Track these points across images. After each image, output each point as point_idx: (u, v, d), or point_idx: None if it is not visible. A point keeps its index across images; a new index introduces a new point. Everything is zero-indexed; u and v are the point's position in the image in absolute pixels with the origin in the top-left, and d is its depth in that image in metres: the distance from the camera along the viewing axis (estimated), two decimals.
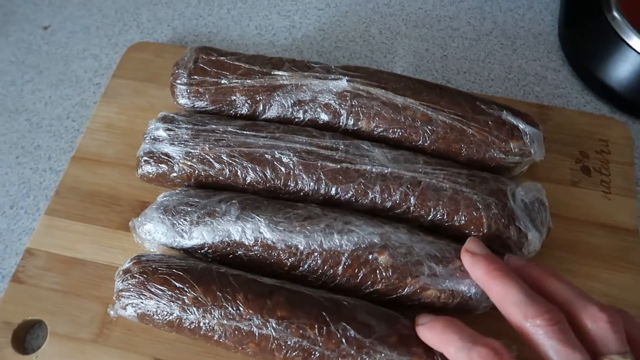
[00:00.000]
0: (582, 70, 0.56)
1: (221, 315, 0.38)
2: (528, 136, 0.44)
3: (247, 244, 0.41)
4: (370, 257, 0.40)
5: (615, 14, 0.53)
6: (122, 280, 0.40)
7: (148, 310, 0.39)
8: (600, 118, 0.52)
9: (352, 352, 0.37)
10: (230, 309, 0.38)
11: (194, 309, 0.38)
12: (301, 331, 0.37)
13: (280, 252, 0.41)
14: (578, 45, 0.57)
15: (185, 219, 0.42)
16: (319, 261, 0.40)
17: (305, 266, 0.40)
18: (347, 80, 0.46)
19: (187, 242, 0.42)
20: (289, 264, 0.41)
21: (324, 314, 0.37)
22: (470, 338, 0.32)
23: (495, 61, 0.58)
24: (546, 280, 0.35)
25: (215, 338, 0.38)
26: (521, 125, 0.44)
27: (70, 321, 0.44)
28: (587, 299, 0.33)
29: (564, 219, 0.46)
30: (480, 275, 0.36)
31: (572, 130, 0.51)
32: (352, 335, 0.37)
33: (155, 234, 0.42)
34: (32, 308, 0.44)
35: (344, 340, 0.37)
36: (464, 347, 0.32)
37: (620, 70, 0.53)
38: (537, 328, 0.31)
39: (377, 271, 0.39)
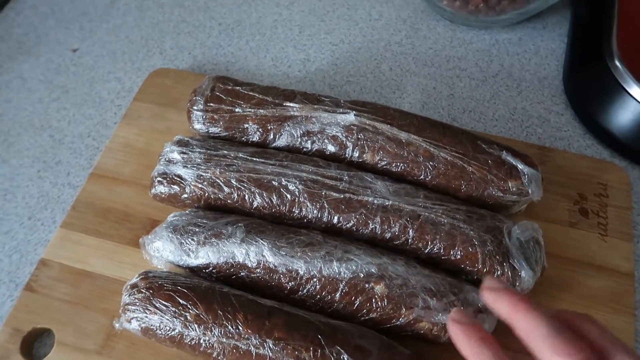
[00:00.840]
0: (584, 115, 0.58)
1: (221, 333, 0.39)
2: (526, 176, 0.45)
3: (250, 266, 0.43)
4: (367, 285, 0.41)
5: (617, 63, 0.55)
6: (129, 295, 0.42)
7: (152, 325, 0.41)
8: (599, 162, 0.53)
9: None
10: (230, 327, 0.39)
11: (196, 325, 0.40)
12: (297, 352, 0.38)
13: (281, 276, 0.42)
14: (581, 91, 0.59)
15: (192, 239, 0.44)
16: (318, 287, 0.42)
17: (305, 291, 0.42)
18: (355, 115, 0.48)
19: (193, 261, 0.44)
20: (289, 287, 0.42)
21: (319, 337, 0.39)
22: (502, 357, 0.31)
23: (500, 102, 0.60)
24: (578, 320, 0.33)
25: (214, 355, 0.40)
26: (520, 166, 0.46)
27: (77, 331, 0.46)
28: (621, 345, 0.31)
29: (560, 259, 0.47)
30: (505, 309, 0.33)
31: (572, 172, 0.52)
32: (346, 359, 0.38)
33: (163, 251, 0.44)
34: (42, 317, 0.46)
35: None
36: None
37: (621, 117, 0.55)
38: None
39: (373, 300, 0.41)
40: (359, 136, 0.48)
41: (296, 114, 0.49)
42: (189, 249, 0.44)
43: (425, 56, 0.64)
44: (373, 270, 0.41)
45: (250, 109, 0.50)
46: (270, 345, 0.39)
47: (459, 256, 0.43)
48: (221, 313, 0.40)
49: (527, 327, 0.32)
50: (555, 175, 0.52)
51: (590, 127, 0.57)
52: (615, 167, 0.53)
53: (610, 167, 0.53)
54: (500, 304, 0.34)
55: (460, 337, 0.34)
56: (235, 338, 0.39)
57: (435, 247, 0.43)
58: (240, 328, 0.39)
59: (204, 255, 0.43)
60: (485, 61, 0.63)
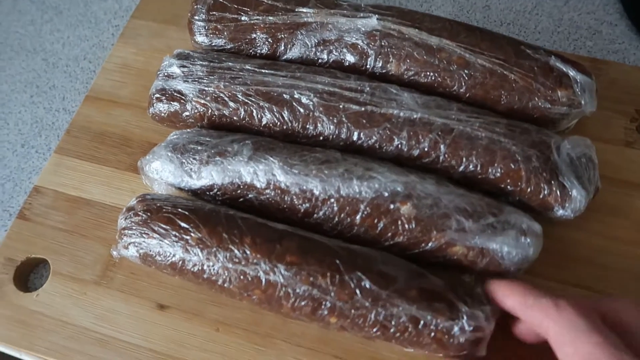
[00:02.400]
0: None
1: (226, 258, 0.35)
2: (579, 85, 0.39)
3: (258, 186, 0.38)
4: (391, 206, 0.36)
5: None
6: (126, 218, 0.38)
7: (151, 251, 0.37)
8: None
9: (367, 304, 0.33)
10: (236, 252, 0.35)
11: (198, 250, 0.35)
12: (312, 279, 0.34)
13: (294, 197, 0.37)
14: None
15: (194, 158, 0.39)
16: (336, 208, 0.37)
17: (321, 213, 0.37)
18: (378, 19, 0.42)
19: (196, 183, 0.39)
20: (302, 210, 0.37)
21: (337, 262, 0.34)
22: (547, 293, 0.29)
23: (543, 13, 0.52)
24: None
25: (219, 283, 0.36)
26: (571, 73, 0.39)
27: (73, 261, 0.42)
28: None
29: (615, 181, 0.42)
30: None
31: (628, 86, 0.46)
32: (368, 286, 0.33)
33: (162, 172, 0.40)
34: (36, 246, 0.43)
35: (358, 291, 0.33)
36: (548, 296, 0.29)
37: None
38: None
39: (399, 222, 0.36)
40: (383, 43, 0.42)
41: (310, 20, 0.43)
42: (191, 169, 0.39)
43: None
44: (399, 189, 0.36)
45: (258, 17, 0.44)
46: (282, 271, 0.34)
47: (498, 174, 0.37)
48: (226, 236, 0.35)
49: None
50: (608, 90, 0.45)
51: None
52: None
53: None
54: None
55: (504, 287, 0.32)
56: (242, 263, 0.35)
57: (471, 164, 0.37)
58: (248, 252, 0.35)
59: (207, 176, 0.39)
60: None
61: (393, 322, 0.33)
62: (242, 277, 0.35)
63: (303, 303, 0.34)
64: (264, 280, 0.34)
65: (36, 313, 0.40)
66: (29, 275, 0.43)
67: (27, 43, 0.56)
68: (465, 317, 0.33)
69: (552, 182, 0.36)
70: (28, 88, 0.53)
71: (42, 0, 0.58)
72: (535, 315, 0.30)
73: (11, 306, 0.41)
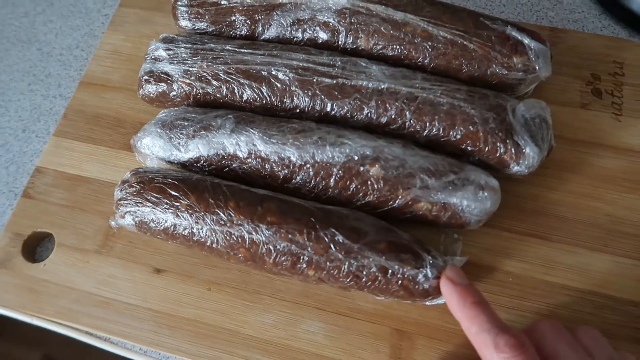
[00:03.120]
0: None
1: (213, 221, 0.38)
2: (533, 51, 0.42)
3: (241, 156, 0.41)
4: (361, 168, 0.39)
5: None
6: (121, 190, 0.41)
7: (145, 218, 0.40)
8: (616, 40, 0.49)
9: (340, 256, 0.37)
10: (222, 214, 0.38)
11: (187, 215, 0.39)
12: (290, 236, 0.37)
13: (274, 165, 0.41)
14: None
15: (181, 133, 0.42)
16: (312, 173, 0.40)
17: (298, 178, 0.41)
18: None
19: (184, 155, 0.42)
20: (282, 176, 0.41)
21: (312, 220, 0.38)
22: (499, 323, 0.31)
23: None
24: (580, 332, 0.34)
25: (207, 244, 0.39)
26: (526, 40, 0.42)
27: (75, 233, 0.46)
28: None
29: (571, 141, 0.45)
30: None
31: (585, 53, 0.49)
32: (340, 240, 0.37)
33: (153, 147, 0.43)
34: (41, 221, 0.46)
35: (332, 245, 0.37)
36: (491, 330, 0.31)
37: None
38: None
39: (369, 182, 0.39)
40: (352, 20, 0.45)
41: (285, 1, 0.46)
42: (179, 143, 0.42)
43: None
44: (368, 152, 0.39)
45: (236, 0, 0.47)
46: (264, 230, 0.38)
47: (459, 136, 0.40)
48: (212, 201, 0.39)
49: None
50: (566, 56, 0.48)
51: (607, 5, 0.53)
52: (633, 44, 0.49)
53: (627, 45, 0.49)
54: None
55: (455, 299, 0.34)
56: (228, 225, 0.38)
57: (434, 128, 0.41)
58: (232, 214, 0.38)
59: (194, 149, 0.42)
60: None
61: (364, 272, 0.37)
62: (228, 237, 0.38)
63: (283, 258, 0.38)
64: (247, 239, 0.38)
65: (44, 281, 0.44)
66: (35, 248, 0.47)
67: (22, 34, 0.59)
68: (428, 266, 0.37)
69: (507, 141, 0.40)
70: (25, 77, 0.56)
71: None
72: (474, 342, 0.32)
73: (21, 275, 0.44)
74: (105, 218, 0.46)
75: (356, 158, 0.39)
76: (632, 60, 0.48)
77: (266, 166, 0.41)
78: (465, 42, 0.43)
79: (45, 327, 0.43)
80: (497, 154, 0.40)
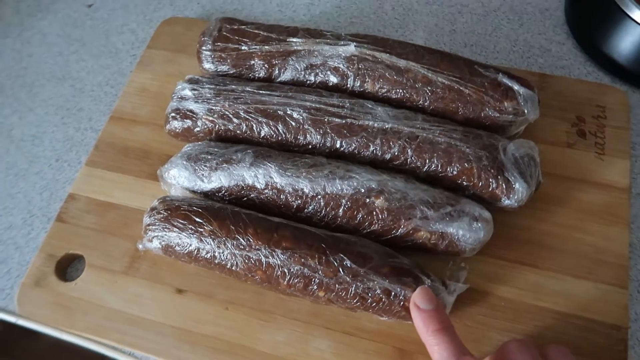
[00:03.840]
0: (586, 43, 0.58)
1: (233, 245, 0.43)
2: (522, 96, 0.47)
3: (258, 187, 0.46)
4: (367, 200, 0.44)
5: None
6: (150, 216, 0.45)
7: (171, 242, 0.44)
8: (598, 85, 0.54)
9: (348, 279, 0.41)
10: (241, 240, 0.43)
11: (210, 240, 0.43)
12: (303, 260, 0.41)
13: (288, 195, 0.45)
14: (583, 19, 0.59)
15: (205, 165, 0.47)
16: (322, 203, 0.45)
17: (310, 208, 0.45)
18: (355, 46, 0.50)
19: (207, 186, 0.47)
20: (295, 206, 0.45)
21: (323, 246, 0.42)
22: (460, 349, 0.34)
23: (501, 35, 0.61)
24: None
25: (228, 266, 0.43)
26: (515, 87, 0.47)
27: (104, 255, 0.50)
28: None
29: (558, 177, 0.49)
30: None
31: (571, 96, 0.53)
32: (348, 264, 0.41)
33: (179, 178, 0.48)
34: (73, 243, 0.51)
35: (340, 269, 0.41)
36: (450, 358, 0.33)
37: (623, 42, 0.55)
38: None
39: (374, 213, 0.44)
40: (360, 66, 0.50)
41: (299, 48, 0.52)
42: (203, 175, 0.47)
43: None
44: (373, 185, 0.44)
45: (255, 46, 0.52)
46: (279, 255, 0.42)
47: (455, 172, 0.45)
48: (233, 228, 0.43)
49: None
50: (554, 100, 0.53)
51: (591, 54, 0.58)
52: (614, 89, 0.54)
53: (609, 90, 0.54)
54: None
55: (419, 325, 0.37)
56: (247, 249, 0.43)
57: (433, 164, 0.45)
58: (251, 240, 0.43)
59: (216, 180, 0.47)
60: None
61: (370, 294, 0.41)
62: (246, 260, 0.43)
63: (297, 280, 0.42)
64: (264, 263, 0.42)
65: (75, 298, 0.48)
66: (67, 268, 0.51)
67: (56, 72, 0.64)
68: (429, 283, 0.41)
69: (499, 177, 0.44)
70: (59, 111, 0.61)
71: (68, 34, 0.67)
72: None
73: (54, 293, 0.48)
74: (132, 241, 0.50)
75: (363, 191, 0.44)
76: (613, 104, 0.52)
77: (281, 197, 0.45)
78: (461, 88, 0.48)
79: (75, 342, 0.47)
80: (490, 189, 0.44)
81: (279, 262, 0.42)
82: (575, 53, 0.59)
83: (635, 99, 0.55)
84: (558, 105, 0.53)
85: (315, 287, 0.42)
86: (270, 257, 0.42)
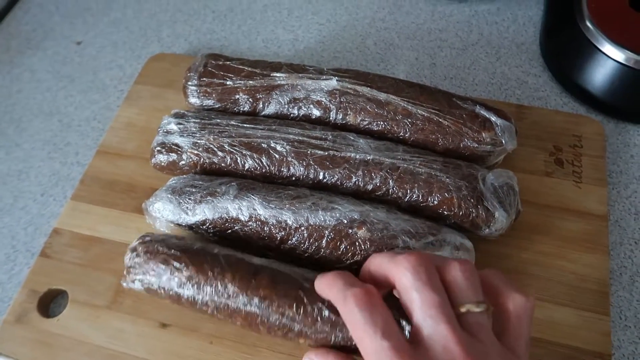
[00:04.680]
0: (561, 75, 0.60)
1: (212, 292, 0.42)
2: (499, 127, 0.48)
3: (242, 219, 0.46)
4: (350, 231, 0.44)
5: (588, 24, 0.57)
6: (130, 259, 0.45)
7: (152, 285, 0.43)
8: (574, 116, 0.56)
9: (327, 329, 0.40)
10: (219, 287, 0.42)
11: (190, 285, 0.42)
12: (281, 309, 0.40)
13: (272, 227, 0.46)
14: (557, 53, 0.61)
15: (190, 198, 0.47)
16: (306, 234, 0.45)
17: (294, 239, 0.45)
18: (337, 80, 0.52)
19: (191, 219, 0.47)
20: (279, 237, 0.46)
21: (301, 294, 0.41)
22: (351, 282, 0.34)
23: (480, 68, 0.63)
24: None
25: (209, 312, 0.42)
26: (493, 118, 0.49)
27: (88, 290, 0.49)
28: (446, 259, 0.34)
29: (537, 205, 0.50)
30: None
31: (548, 127, 0.55)
32: (327, 315, 0.40)
33: (163, 211, 0.48)
34: (56, 278, 0.50)
35: (319, 319, 0.40)
36: (343, 289, 0.33)
37: (595, 74, 0.57)
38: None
39: (357, 243, 0.44)
40: (342, 99, 0.51)
41: (283, 82, 0.53)
42: (187, 208, 0.47)
43: (408, 30, 0.67)
44: (356, 216, 0.44)
45: (240, 81, 0.54)
46: (257, 303, 0.41)
47: (436, 202, 0.46)
48: (211, 273, 0.42)
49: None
50: (531, 130, 0.55)
51: (566, 86, 0.60)
52: (590, 119, 0.55)
53: (584, 120, 0.55)
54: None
55: (319, 285, 0.37)
56: (225, 297, 0.41)
57: (414, 194, 0.46)
58: (229, 286, 0.41)
59: (201, 212, 0.47)
60: (465, 31, 0.66)
61: (349, 343, 0.40)
62: (225, 307, 0.41)
63: (276, 328, 0.41)
64: (243, 311, 0.41)
65: (57, 335, 0.47)
66: (49, 304, 0.50)
67: (44, 107, 0.65)
68: (408, 334, 0.40)
69: (479, 206, 0.45)
70: (46, 145, 0.61)
71: (57, 70, 0.68)
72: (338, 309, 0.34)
73: (35, 330, 0.48)
74: (116, 275, 0.50)
75: (345, 221, 0.44)
76: (588, 134, 0.54)
77: (265, 228, 0.46)
78: (440, 119, 0.49)
79: None
80: (470, 218, 0.45)
81: (257, 310, 0.41)
82: (551, 85, 0.61)
83: (610, 128, 0.57)
84: (536, 135, 0.54)
85: (294, 335, 0.41)
86: (248, 305, 0.41)
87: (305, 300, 0.41)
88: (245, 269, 0.43)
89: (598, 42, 0.56)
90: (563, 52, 0.61)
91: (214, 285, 0.42)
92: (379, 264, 0.35)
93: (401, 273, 0.32)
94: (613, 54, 0.55)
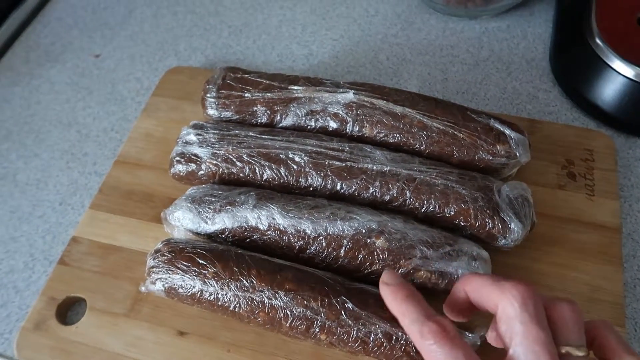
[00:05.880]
0: (571, 91, 0.62)
1: (237, 287, 0.43)
2: (513, 140, 0.49)
3: (261, 229, 0.47)
4: (368, 240, 0.45)
5: (598, 41, 0.59)
6: (154, 259, 0.46)
7: (174, 284, 0.45)
8: (585, 130, 0.57)
9: (350, 322, 0.41)
10: (245, 282, 0.43)
11: (214, 282, 0.44)
12: (305, 302, 0.42)
13: (290, 236, 0.46)
14: (567, 69, 0.63)
15: (209, 208, 0.48)
16: (324, 244, 0.46)
17: (312, 249, 0.46)
18: (354, 93, 0.53)
19: (210, 228, 0.48)
20: (297, 247, 0.46)
21: (326, 288, 0.43)
22: (425, 313, 0.34)
23: (491, 83, 0.64)
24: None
25: (231, 308, 0.44)
26: (507, 131, 0.50)
27: (106, 298, 0.50)
28: (554, 297, 0.33)
29: (550, 218, 0.51)
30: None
31: (560, 140, 0.56)
32: (350, 307, 0.41)
33: (183, 220, 0.49)
34: (75, 286, 0.51)
35: (343, 312, 0.41)
36: (417, 320, 0.33)
37: (605, 90, 0.58)
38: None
39: (375, 253, 0.45)
40: (358, 112, 0.52)
41: (300, 95, 0.54)
42: (207, 217, 0.48)
43: (420, 46, 0.69)
44: (374, 226, 0.45)
45: (258, 94, 0.55)
46: (282, 296, 0.42)
47: (452, 213, 0.46)
48: (236, 269, 0.44)
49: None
50: (543, 144, 0.56)
51: (576, 101, 0.61)
52: (601, 134, 0.56)
53: (595, 135, 0.56)
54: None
55: (389, 298, 0.37)
56: (250, 291, 0.43)
57: (431, 205, 0.47)
58: (254, 281, 0.43)
59: (220, 221, 0.48)
60: (476, 48, 0.68)
61: (371, 338, 0.41)
62: (249, 302, 0.43)
63: (299, 322, 0.42)
64: (267, 304, 0.43)
65: (75, 342, 0.48)
66: (67, 312, 0.51)
67: (63, 118, 0.66)
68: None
69: (495, 217, 0.46)
70: (64, 155, 0.62)
71: (75, 82, 0.69)
72: (409, 335, 0.34)
73: (54, 338, 0.48)
74: (134, 284, 0.50)
75: (364, 231, 0.45)
76: (599, 148, 0.55)
77: (284, 238, 0.46)
78: (455, 132, 0.50)
79: None
80: (487, 229, 0.46)
81: (281, 303, 0.42)
82: (561, 100, 0.62)
83: (620, 142, 0.58)
84: (548, 149, 0.55)
85: (317, 329, 0.42)
86: (273, 298, 0.42)
87: (330, 294, 0.42)
88: (270, 267, 0.44)
89: (608, 59, 0.58)
90: (573, 68, 0.62)
91: (239, 280, 0.43)
92: (480, 285, 0.34)
93: (507, 301, 0.31)
94: (623, 70, 0.56)
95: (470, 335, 0.42)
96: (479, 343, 0.41)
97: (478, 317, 0.41)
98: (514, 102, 0.62)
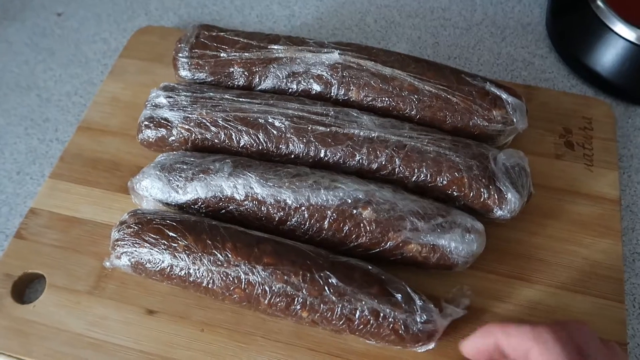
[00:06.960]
0: (569, 57, 0.58)
1: (210, 261, 0.39)
2: (510, 105, 0.46)
3: (238, 199, 0.43)
4: (354, 211, 0.41)
5: (600, 2, 0.55)
6: (119, 231, 0.42)
7: (142, 259, 0.41)
8: (584, 98, 0.54)
9: (334, 298, 0.38)
10: (219, 255, 0.39)
11: (185, 255, 0.40)
12: (285, 277, 0.38)
13: (270, 207, 0.42)
14: (565, 34, 0.59)
15: (180, 176, 0.44)
16: (306, 215, 0.42)
17: (293, 220, 0.42)
18: (339, 53, 0.48)
19: (182, 197, 0.44)
20: (277, 218, 0.42)
21: (308, 262, 0.39)
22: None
23: (484, 48, 0.60)
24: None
25: (204, 284, 0.40)
26: (504, 96, 0.46)
27: (68, 274, 0.46)
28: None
29: (548, 189, 0.48)
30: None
31: (557, 108, 0.53)
32: (334, 282, 0.38)
33: (152, 189, 0.44)
34: (32, 262, 0.46)
35: (326, 288, 0.38)
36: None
37: (605, 55, 0.55)
38: None
39: (361, 225, 0.41)
40: (344, 74, 0.48)
41: (281, 55, 0.50)
42: (178, 186, 0.44)
43: (410, 8, 0.64)
44: (360, 196, 0.41)
45: (235, 53, 0.50)
46: (260, 271, 0.39)
47: (445, 182, 0.43)
48: (210, 242, 0.40)
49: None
50: (540, 111, 0.52)
51: (574, 67, 0.58)
52: (599, 102, 0.53)
53: (594, 103, 0.53)
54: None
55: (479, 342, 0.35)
56: (225, 265, 0.39)
57: (422, 174, 0.43)
58: (230, 255, 0.39)
59: (192, 191, 0.43)
60: (469, 11, 0.64)
61: (357, 315, 0.38)
62: (224, 277, 0.39)
63: (278, 299, 0.39)
64: (244, 280, 0.39)
65: (33, 322, 0.43)
66: (24, 290, 0.46)
67: (21, 81, 0.60)
68: (419, 310, 0.38)
69: (490, 187, 0.42)
70: (23, 121, 0.57)
71: (36, 43, 0.64)
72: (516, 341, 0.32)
73: (9, 317, 0.44)
74: (99, 259, 0.46)
75: (349, 201, 0.41)
76: (598, 116, 0.52)
77: (262, 208, 0.43)
78: (448, 96, 0.46)
79: None
80: (481, 199, 0.42)
81: (259, 279, 0.39)
82: (558, 66, 0.58)
83: (620, 111, 0.55)
84: (544, 117, 0.52)
85: (298, 306, 0.39)
86: (250, 273, 0.39)
87: (312, 268, 0.38)
88: (247, 239, 0.40)
89: (609, 21, 0.54)
90: (571, 32, 0.58)
91: (212, 254, 0.39)
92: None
93: None
94: (624, 33, 0.53)
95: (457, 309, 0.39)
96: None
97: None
98: (509, 68, 0.58)
